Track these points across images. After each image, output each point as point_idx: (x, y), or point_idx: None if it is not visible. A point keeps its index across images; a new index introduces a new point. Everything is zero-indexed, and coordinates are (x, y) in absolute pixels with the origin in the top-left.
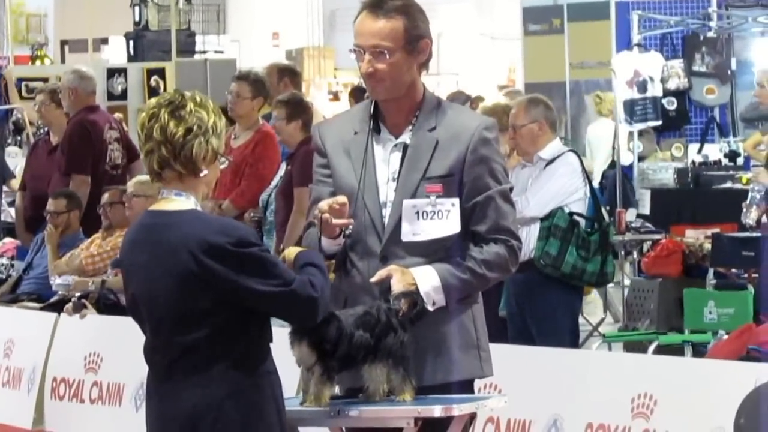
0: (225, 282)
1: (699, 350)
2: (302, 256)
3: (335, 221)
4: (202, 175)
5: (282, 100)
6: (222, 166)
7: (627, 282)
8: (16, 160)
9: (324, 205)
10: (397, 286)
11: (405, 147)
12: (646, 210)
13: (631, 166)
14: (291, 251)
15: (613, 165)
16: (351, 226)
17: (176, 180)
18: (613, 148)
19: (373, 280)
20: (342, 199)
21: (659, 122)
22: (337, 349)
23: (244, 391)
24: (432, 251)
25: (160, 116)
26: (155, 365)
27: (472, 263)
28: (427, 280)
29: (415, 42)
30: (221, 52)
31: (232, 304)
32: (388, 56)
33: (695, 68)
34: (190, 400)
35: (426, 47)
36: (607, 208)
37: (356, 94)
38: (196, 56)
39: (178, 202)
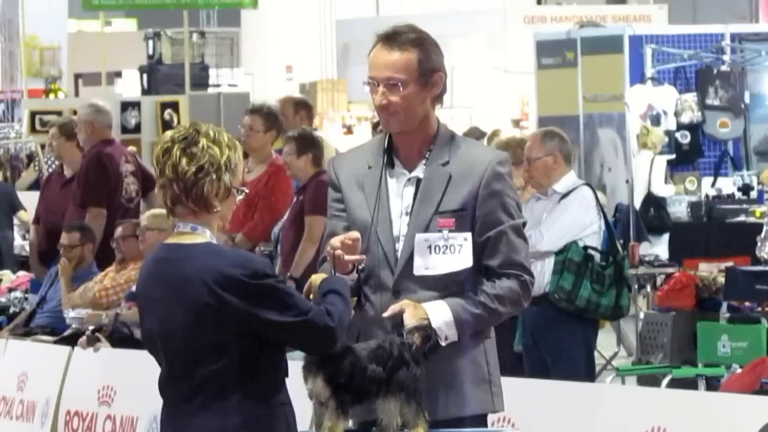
0: (241, 314)
1: (712, 384)
2: (325, 283)
3: (347, 257)
4: (215, 211)
5: (292, 136)
6: (239, 197)
7: (641, 315)
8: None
9: (336, 241)
10: (409, 320)
11: (418, 181)
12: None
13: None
14: (316, 278)
15: (649, 197)
16: (364, 262)
17: (190, 215)
18: (631, 180)
19: (385, 315)
20: (354, 234)
21: (672, 156)
22: (351, 382)
23: (258, 422)
24: (444, 285)
25: (172, 152)
26: (170, 396)
27: (485, 298)
28: (440, 314)
29: (428, 75)
30: (235, 85)
31: (248, 335)
32: (401, 88)
33: (708, 102)
34: (204, 430)
35: (440, 80)
36: (621, 241)
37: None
38: (210, 89)
39: (193, 235)
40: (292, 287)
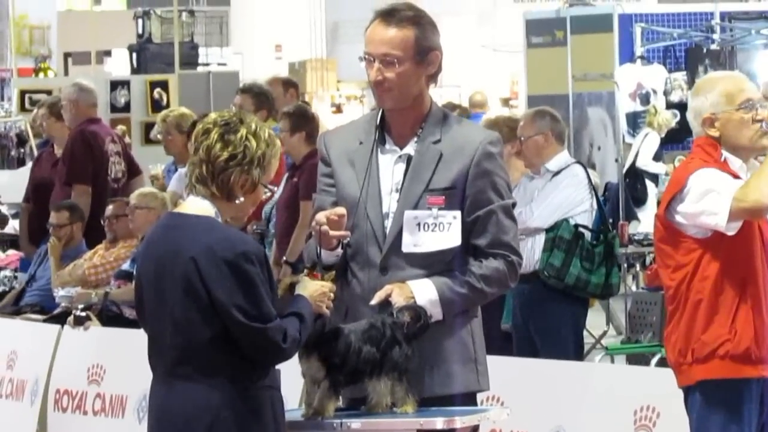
0: (211, 293)
1: None
2: (293, 303)
3: (333, 233)
4: (236, 201)
5: (287, 112)
6: (264, 196)
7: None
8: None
9: (322, 216)
10: (397, 299)
11: (409, 158)
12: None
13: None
14: (286, 281)
15: (632, 169)
16: (349, 237)
17: (209, 197)
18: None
19: (372, 302)
20: (340, 210)
21: (662, 135)
22: (345, 363)
23: (242, 402)
24: (432, 263)
25: (211, 134)
26: (157, 368)
27: (471, 278)
28: (425, 293)
29: (424, 53)
30: (224, 64)
31: None
32: (397, 65)
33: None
34: (188, 404)
35: (435, 60)
36: (610, 220)
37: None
38: (199, 68)
39: (201, 206)
40: (267, 289)
